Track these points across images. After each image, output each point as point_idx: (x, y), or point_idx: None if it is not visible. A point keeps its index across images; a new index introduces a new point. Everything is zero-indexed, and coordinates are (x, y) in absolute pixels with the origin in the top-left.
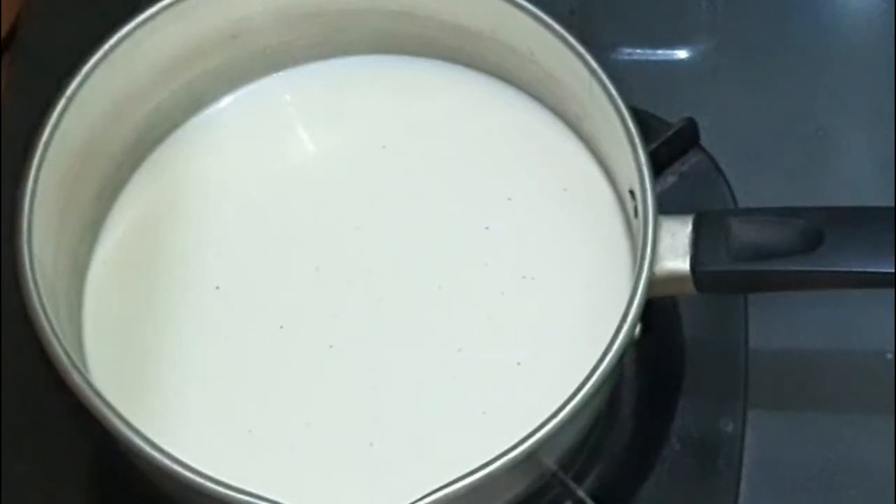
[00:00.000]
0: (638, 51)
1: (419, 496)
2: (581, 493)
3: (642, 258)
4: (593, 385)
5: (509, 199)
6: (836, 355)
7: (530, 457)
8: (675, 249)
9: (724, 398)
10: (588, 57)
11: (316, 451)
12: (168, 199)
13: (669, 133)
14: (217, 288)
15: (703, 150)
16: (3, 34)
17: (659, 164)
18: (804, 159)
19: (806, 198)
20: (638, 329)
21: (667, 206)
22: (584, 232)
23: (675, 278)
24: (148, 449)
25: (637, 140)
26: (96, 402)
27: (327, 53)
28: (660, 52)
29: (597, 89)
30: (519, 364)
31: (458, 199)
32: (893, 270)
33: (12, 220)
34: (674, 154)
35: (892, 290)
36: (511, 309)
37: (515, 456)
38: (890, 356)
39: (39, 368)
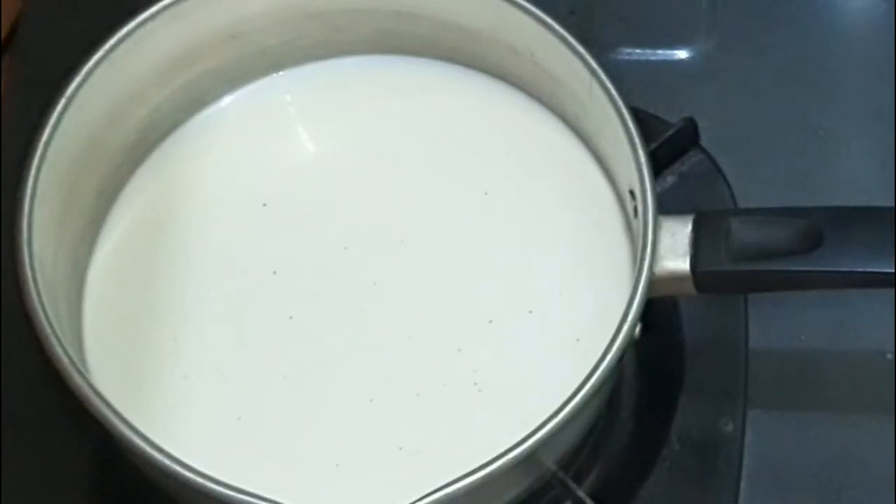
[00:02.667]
0: (638, 51)
1: (419, 496)
2: (581, 493)
3: (642, 258)
4: (593, 385)
5: (509, 199)
6: (836, 355)
7: (530, 457)
8: (675, 249)
9: (724, 398)
10: (588, 57)
11: (316, 451)
12: (168, 199)
13: (669, 133)
14: (216, 287)
15: (703, 150)
16: (3, 34)
17: (659, 164)
18: (804, 159)
19: (806, 198)
20: (638, 329)
21: (667, 206)
22: (584, 232)
23: (675, 278)
24: (148, 449)
25: (637, 140)
26: (96, 402)
27: (327, 53)
28: (660, 52)
29: (597, 89)
30: (515, 364)
31: (458, 199)
32: (893, 270)
33: (12, 220)
34: (674, 154)
35: (892, 290)
36: (510, 307)
37: (515, 456)
38: (890, 356)
39: (39, 368)
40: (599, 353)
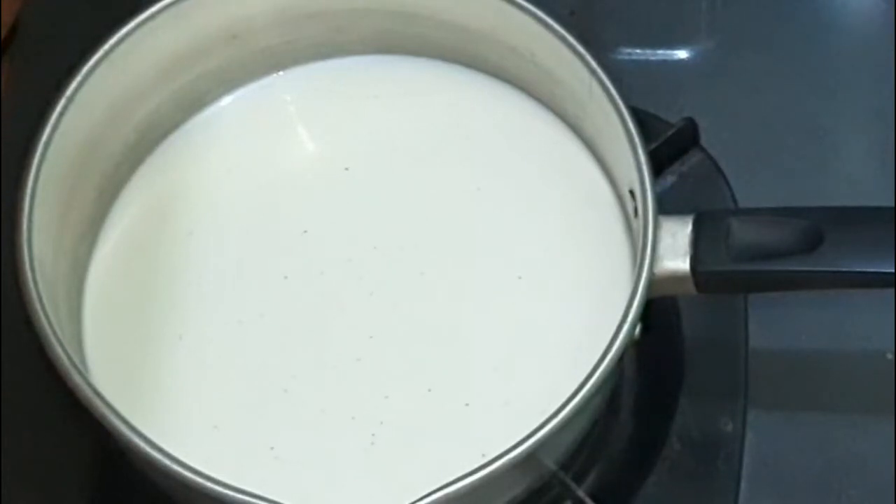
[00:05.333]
0: (638, 51)
1: (419, 496)
2: (581, 493)
3: (642, 258)
4: (593, 385)
5: (509, 199)
6: (836, 355)
7: (530, 457)
8: (675, 249)
9: (724, 398)
10: (588, 57)
11: (316, 451)
12: (168, 199)
13: (669, 133)
14: (217, 287)
15: (703, 150)
16: (3, 34)
17: (659, 164)
18: (804, 159)
19: (806, 198)
20: (638, 329)
21: (667, 206)
22: (584, 232)
23: (675, 278)
24: (148, 449)
25: (637, 140)
26: (96, 402)
27: (327, 53)
28: (660, 52)
29: (597, 89)
30: (515, 365)
31: (458, 199)
32: (893, 270)
33: (12, 220)
34: (674, 154)
35: (892, 290)
36: (508, 309)
37: (515, 456)
38: (890, 356)
39: (39, 368)
40: (599, 354)
